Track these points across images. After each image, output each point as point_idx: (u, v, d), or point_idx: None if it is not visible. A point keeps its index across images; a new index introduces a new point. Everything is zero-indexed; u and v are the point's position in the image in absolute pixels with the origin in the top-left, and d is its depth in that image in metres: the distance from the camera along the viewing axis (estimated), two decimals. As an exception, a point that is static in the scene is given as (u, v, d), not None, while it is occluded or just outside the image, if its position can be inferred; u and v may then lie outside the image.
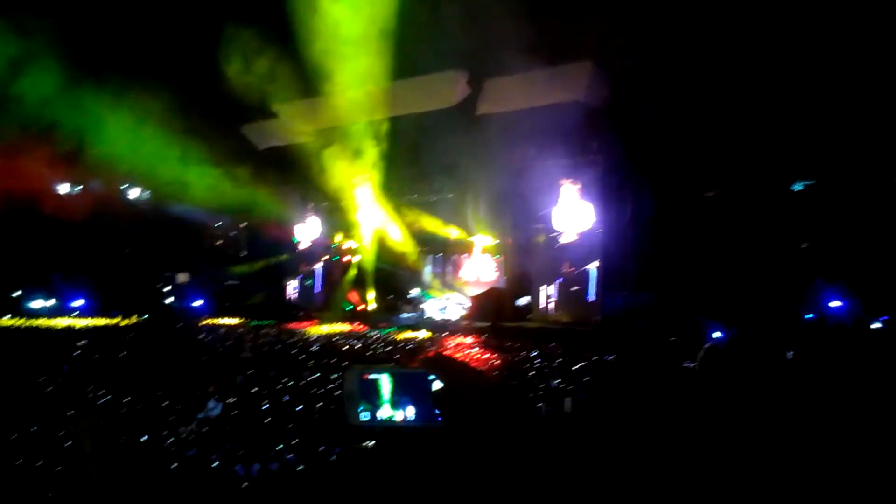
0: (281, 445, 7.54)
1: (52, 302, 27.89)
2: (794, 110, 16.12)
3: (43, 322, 24.09)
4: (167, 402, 10.00)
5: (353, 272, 29.82)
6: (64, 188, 28.51)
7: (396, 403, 1.16)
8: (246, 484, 6.48)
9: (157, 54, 20.12)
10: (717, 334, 12.26)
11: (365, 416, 1.15)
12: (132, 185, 29.79)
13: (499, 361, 14.29)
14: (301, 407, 9.75)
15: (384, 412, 1.16)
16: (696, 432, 1.30)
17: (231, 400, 10.19)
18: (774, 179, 18.65)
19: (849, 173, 17.51)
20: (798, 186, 18.80)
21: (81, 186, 28.59)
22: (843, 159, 17.15)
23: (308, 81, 20.87)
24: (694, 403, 1.36)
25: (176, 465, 6.70)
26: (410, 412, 1.17)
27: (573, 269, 22.59)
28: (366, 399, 1.17)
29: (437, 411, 1.14)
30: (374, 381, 1.17)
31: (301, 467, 6.70)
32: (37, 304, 27.80)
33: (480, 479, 0.89)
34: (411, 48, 18.33)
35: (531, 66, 18.62)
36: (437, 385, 1.12)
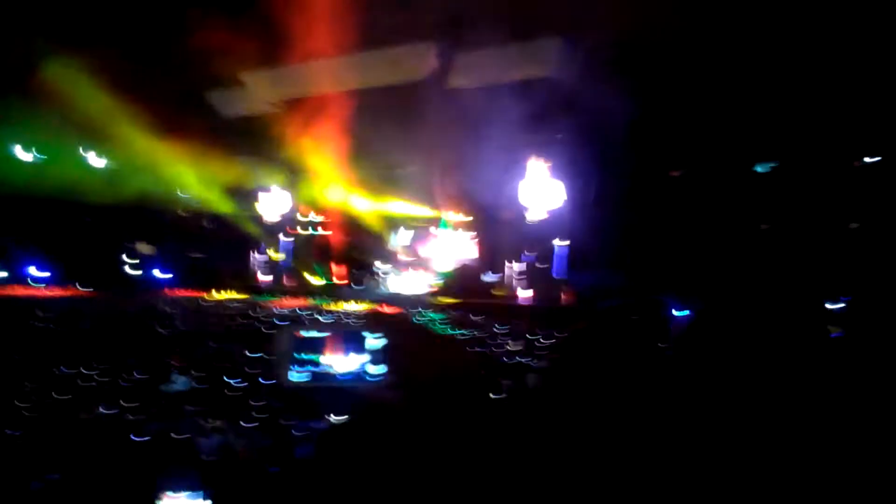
0: (245, 421, 7.51)
1: (7, 271, 27.25)
2: (760, 92, 16.30)
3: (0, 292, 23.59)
4: (130, 375, 9.88)
5: (319, 246, 29.62)
6: (23, 154, 27.71)
7: (334, 361, 1.14)
8: (209, 458, 6.46)
9: (119, 17, 19.54)
10: (678, 313, 12.44)
11: (299, 376, 1.13)
12: (92, 151, 29.07)
13: (464, 336, 14.37)
14: (270, 382, 9.70)
15: (321, 370, 1.14)
16: (663, 405, 1.31)
17: (195, 374, 10.10)
18: (739, 161, 18.90)
19: (811, 156, 17.82)
20: (761, 168, 19.08)
21: (41, 152, 27.81)
22: (806, 142, 17.45)
23: (275, 50, 20.47)
24: (661, 379, 1.37)
25: (138, 438, 6.64)
26: (346, 369, 1.15)
27: (540, 246, 22.73)
28: (300, 359, 1.14)
29: (372, 368, 1.13)
30: (309, 341, 1.14)
31: (265, 443, 6.69)
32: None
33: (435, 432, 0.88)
34: (381, 19, 18.05)
35: (502, 41, 18.50)
36: (372, 342, 1.11)
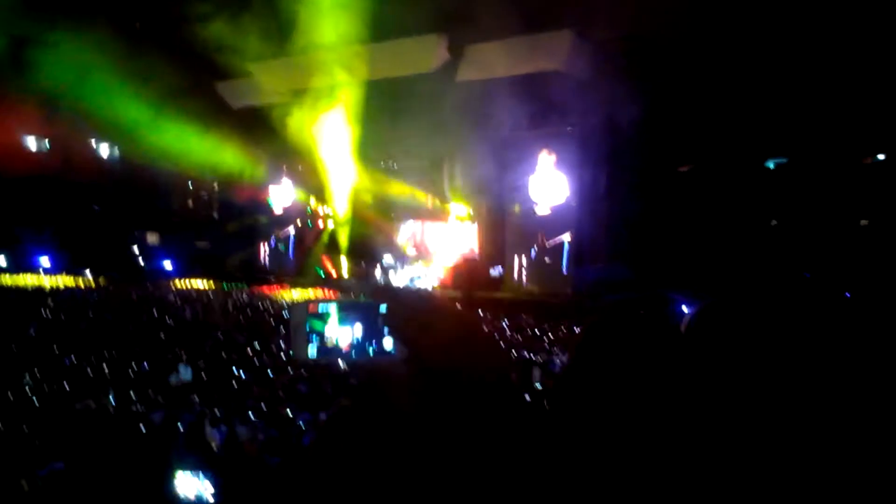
0: (249, 411, 7.51)
1: (14, 258, 27.33)
2: (770, 88, 16.20)
3: (8, 279, 23.68)
4: (134, 365, 9.89)
5: (326, 238, 29.63)
6: (33, 142, 27.80)
7: (346, 335, 1.13)
8: (214, 447, 6.46)
9: (131, 6, 19.55)
10: (685, 308, 12.32)
11: (312, 350, 1.12)
12: (102, 140, 29.14)
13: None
14: (271, 373, 9.72)
15: (333, 344, 1.13)
16: (675, 404, 1.27)
17: (200, 363, 10.11)
18: (748, 156, 18.81)
19: (821, 152, 17.73)
20: (771, 164, 18.99)
21: (50, 141, 27.90)
22: (817, 138, 17.35)
23: (285, 40, 20.43)
24: (670, 374, 1.32)
25: (142, 427, 6.64)
26: (361, 343, 1.14)
27: (548, 240, 22.65)
28: (314, 332, 1.13)
29: (388, 341, 1.12)
30: (323, 315, 1.13)
31: (263, 436, 6.68)
32: (0, 259, 27.28)
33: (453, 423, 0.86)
34: (392, 10, 17.99)
35: (512, 34, 18.42)
36: (383, 314, 1.10)
